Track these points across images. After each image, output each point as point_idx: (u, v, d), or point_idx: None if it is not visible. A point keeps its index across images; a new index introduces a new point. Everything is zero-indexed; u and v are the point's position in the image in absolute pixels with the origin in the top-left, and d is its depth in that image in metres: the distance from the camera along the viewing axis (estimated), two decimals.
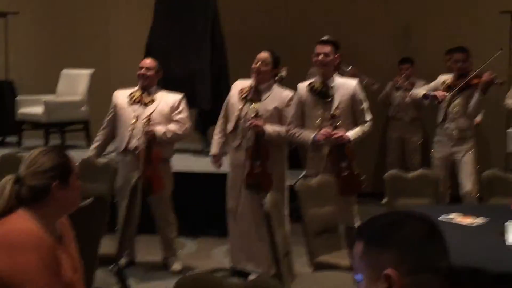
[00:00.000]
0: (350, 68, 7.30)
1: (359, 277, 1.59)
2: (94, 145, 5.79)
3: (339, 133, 5.05)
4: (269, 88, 5.35)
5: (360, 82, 6.50)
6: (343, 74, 6.79)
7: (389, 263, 1.52)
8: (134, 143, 5.48)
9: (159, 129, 5.46)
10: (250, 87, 5.36)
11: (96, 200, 3.75)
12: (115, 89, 5.90)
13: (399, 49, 8.49)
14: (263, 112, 5.24)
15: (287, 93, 5.35)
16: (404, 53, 8.30)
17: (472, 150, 6.28)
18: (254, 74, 5.32)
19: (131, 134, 5.49)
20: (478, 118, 7.35)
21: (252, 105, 5.26)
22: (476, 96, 6.07)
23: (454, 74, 6.32)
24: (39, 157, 2.49)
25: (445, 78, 6.36)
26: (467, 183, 6.21)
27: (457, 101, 6.22)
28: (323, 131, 5.06)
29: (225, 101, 5.53)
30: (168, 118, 5.56)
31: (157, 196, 5.55)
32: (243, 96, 5.35)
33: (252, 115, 5.21)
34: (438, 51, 7.88)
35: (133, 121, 5.50)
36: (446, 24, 8.41)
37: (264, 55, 5.32)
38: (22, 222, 2.39)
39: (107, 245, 4.55)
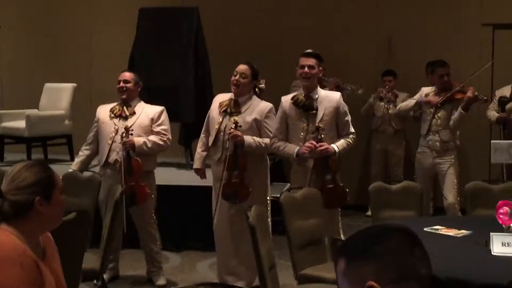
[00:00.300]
0: (331, 79, 7.33)
1: None
2: (77, 160, 5.74)
3: (324, 145, 5.06)
4: (248, 100, 5.37)
5: (344, 92, 6.54)
6: (325, 85, 6.82)
7: (370, 276, 1.54)
8: (113, 156, 5.47)
9: (138, 139, 5.45)
10: (230, 100, 5.37)
11: (79, 214, 3.72)
12: (98, 103, 5.89)
13: (381, 62, 8.54)
14: (242, 124, 5.25)
15: (266, 105, 5.37)
16: (387, 66, 8.35)
17: (455, 161, 6.33)
18: (233, 87, 5.33)
19: (111, 147, 5.48)
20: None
21: (232, 117, 5.27)
22: (458, 111, 6.14)
23: (436, 87, 6.38)
24: (22, 172, 2.46)
25: (428, 90, 6.42)
26: (450, 194, 6.26)
27: (440, 114, 6.29)
28: (307, 143, 5.06)
29: (207, 115, 5.54)
30: (148, 131, 5.56)
31: (141, 209, 5.53)
32: (222, 110, 5.36)
33: (232, 127, 5.22)
34: (421, 64, 7.94)
35: (112, 134, 5.49)
36: (428, 37, 8.47)
37: (242, 67, 5.34)
38: (5, 237, 2.35)
39: (91, 260, 4.51)
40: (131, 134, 5.42)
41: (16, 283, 2.26)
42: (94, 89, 9.01)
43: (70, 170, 5.54)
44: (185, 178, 7.05)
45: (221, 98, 5.47)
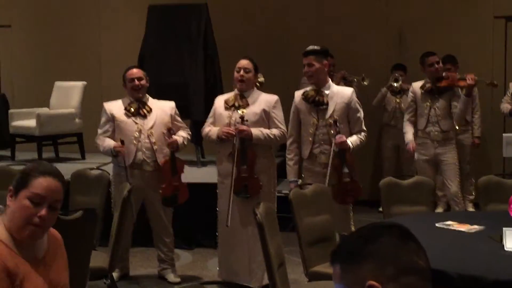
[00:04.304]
0: (338, 72, 7.29)
1: None
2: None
3: (343, 137, 5.02)
4: (253, 94, 5.35)
5: (352, 84, 6.47)
6: (332, 78, 6.77)
7: (368, 276, 1.50)
8: (140, 156, 5.44)
9: (179, 138, 5.49)
10: (235, 95, 5.34)
11: (86, 213, 3.69)
12: (108, 101, 5.84)
13: (392, 56, 8.46)
14: (251, 116, 5.22)
15: (272, 96, 5.37)
16: (397, 60, 8.27)
17: (455, 150, 6.36)
18: (239, 83, 5.31)
19: (137, 147, 5.44)
20: (477, 134, 7.46)
21: (240, 110, 5.24)
22: (461, 99, 6.12)
23: (428, 77, 6.31)
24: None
25: (419, 84, 6.37)
26: (453, 184, 6.29)
27: (439, 103, 6.25)
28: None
29: (212, 112, 5.49)
30: (169, 126, 5.53)
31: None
32: (230, 105, 5.32)
33: (238, 122, 5.18)
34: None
35: (136, 134, 5.46)
36: (439, 30, 8.39)
37: (244, 62, 5.33)
38: None
39: (100, 258, 4.49)
40: (173, 134, 5.44)
41: None
42: (104, 87, 9.00)
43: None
44: (196, 175, 7.01)
45: (223, 97, 5.45)
